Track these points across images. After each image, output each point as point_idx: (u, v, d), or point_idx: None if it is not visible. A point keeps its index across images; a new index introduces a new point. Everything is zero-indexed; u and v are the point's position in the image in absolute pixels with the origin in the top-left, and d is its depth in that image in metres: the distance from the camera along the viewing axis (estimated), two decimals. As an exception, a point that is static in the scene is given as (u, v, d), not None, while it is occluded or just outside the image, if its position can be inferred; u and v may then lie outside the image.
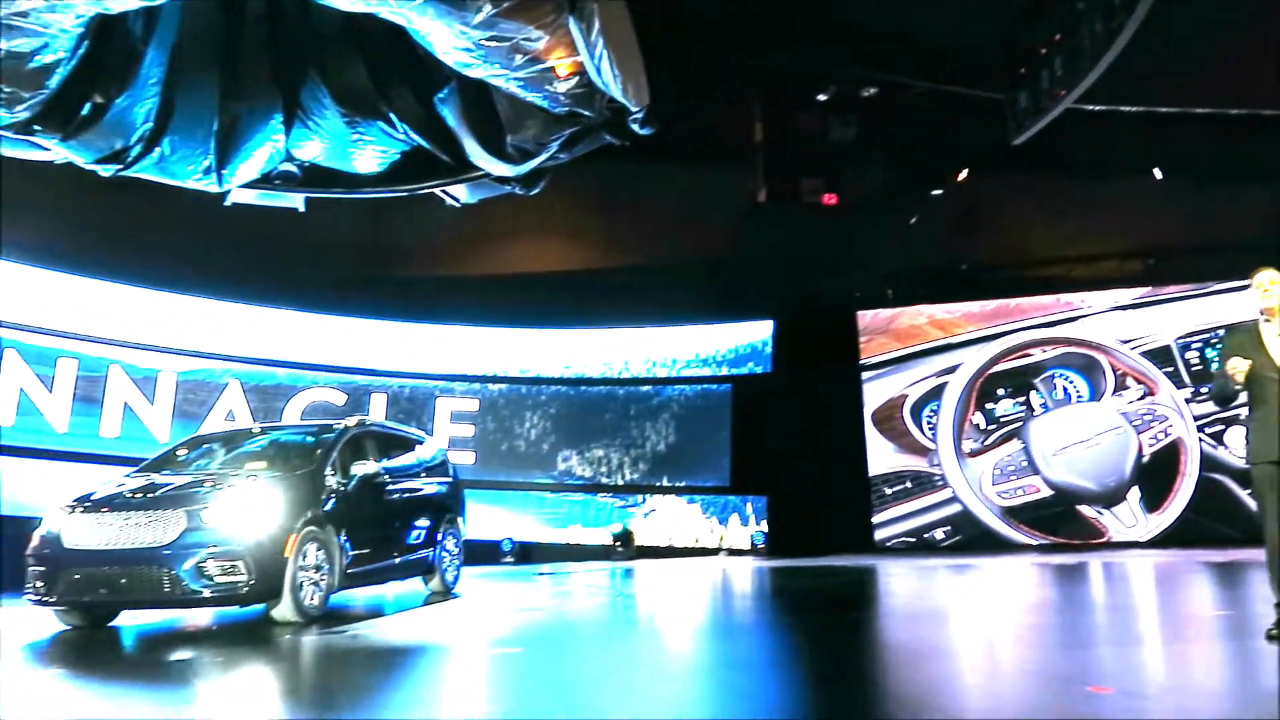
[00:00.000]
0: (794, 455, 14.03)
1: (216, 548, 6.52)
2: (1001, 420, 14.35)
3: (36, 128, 8.01)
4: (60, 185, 10.16)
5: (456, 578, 9.38)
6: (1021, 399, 14.34)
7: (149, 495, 6.95)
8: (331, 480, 7.58)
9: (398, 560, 8.39)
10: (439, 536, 9.06)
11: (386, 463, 8.55)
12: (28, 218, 11.85)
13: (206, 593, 6.53)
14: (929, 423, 14.50)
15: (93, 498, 7.05)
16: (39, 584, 6.76)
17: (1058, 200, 14.24)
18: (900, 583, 10.56)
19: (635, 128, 8.82)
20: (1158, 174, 13.70)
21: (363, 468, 7.85)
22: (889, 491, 14.49)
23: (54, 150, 8.55)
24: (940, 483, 14.37)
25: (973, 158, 13.63)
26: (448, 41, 7.59)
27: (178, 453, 8.46)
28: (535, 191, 10.33)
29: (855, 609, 8.66)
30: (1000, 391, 14.42)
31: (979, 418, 14.36)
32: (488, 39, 7.41)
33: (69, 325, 12.85)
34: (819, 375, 14.46)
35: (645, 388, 15.97)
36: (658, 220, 14.33)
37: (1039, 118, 10.30)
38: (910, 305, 15.14)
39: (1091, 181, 13.78)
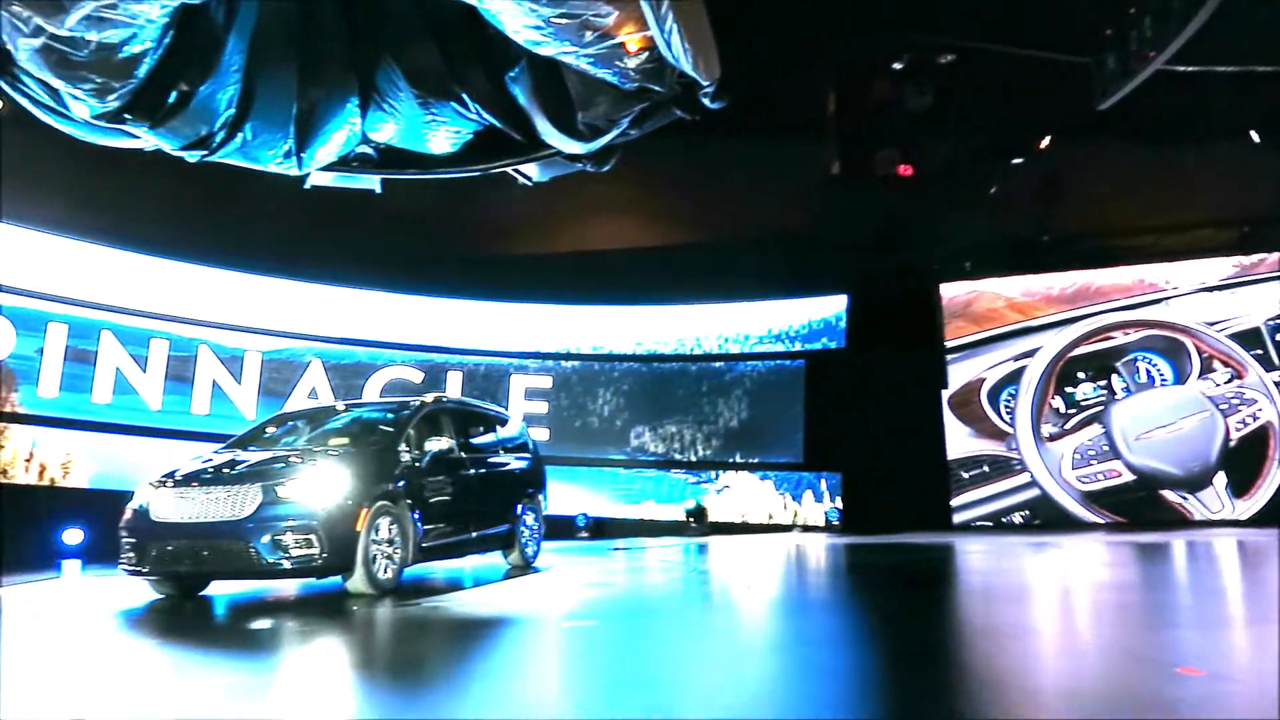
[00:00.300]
0: (869, 431, 13.86)
1: (290, 521, 6.74)
2: (1082, 404, 14.10)
3: (127, 117, 8.27)
4: (149, 173, 10.51)
5: (536, 552, 9.51)
6: (1102, 383, 14.05)
7: (229, 471, 7.21)
8: (405, 456, 7.75)
9: (474, 535, 8.54)
10: (518, 511, 9.20)
11: (464, 439, 8.71)
12: (120, 205, 12.34)
13: (282, 564, 6.76)
14: (1007, 407, 14.33)
15: (178, 473, 7.36)
16: (130, 555, 7.11)
17: (1145, 167, 13.70)
18: (980, 560, 10.38)
19: (706, 102, 8.72)
20: (1254, 137, 13.08)
21: (436, 444, 7.97)
22: (966, 476, 14.33)
23: (144, 138, 8.83)
24: (1018, 467, 14.16)
25: (1056, 124, 13.18)
26: (518, 20, 7.60)
27: (266, 429, 8.75)
28: (606, 169, 10.31)
29: (934, 586, 8.55)
30: (1080, 375, 14.16)
31: (1058, 401, 14.15)
32: (557, 16, 7.40)
33: (161, 307, 13.36)
34: (895, 350, 14.24)
35: (718, 364, 15.93)
36: (730, 195, 14.20)
37: (1126, 81, 9.90)
38: (990, 278, 14.81)
39: (1182, 147, 13.21)
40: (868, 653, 5.35)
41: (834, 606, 7.59)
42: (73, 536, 11.63)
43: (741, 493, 15.51)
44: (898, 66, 12.08)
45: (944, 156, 13.87)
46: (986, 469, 14.27)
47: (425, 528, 7.69)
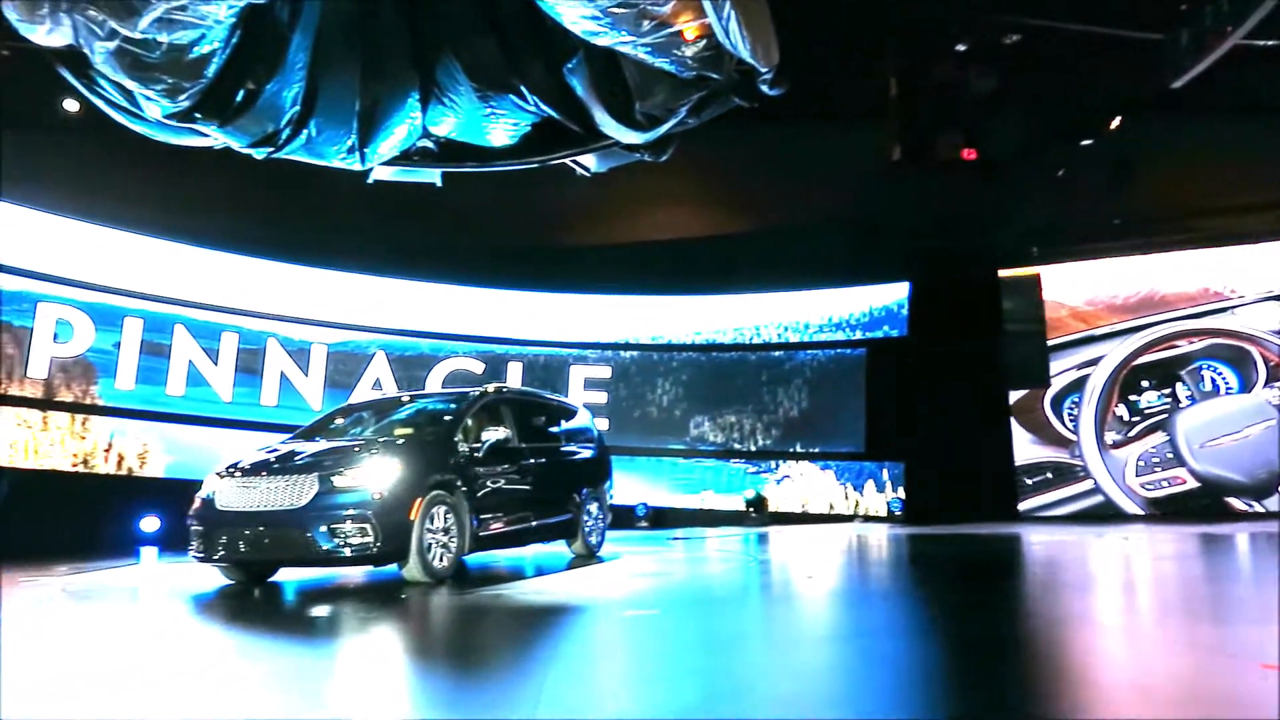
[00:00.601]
0: (932, 420, 13.66)
1: (345, 510, 6.90)
2: (1146, 412, 13.92)
3: (197, 116, 8.48)
4: (218, 171, 10.77)
5: (601, 541, 9.57)
6: (1166, 391, 13.87)
7: (289, 461, 7.39)
8: (463, 446, 7.84)
9: (534, 524, 8.60)
10: (582, 501, 9.26)
11: (525, 429, 8.78)
12: (191, 202, 12.68)
13: (337, 552, 6.90)
14: (1070, 415, 14.22)
15: (242, 464, 7.56)
16: (198, 542, 7.36)
17: (1221, 147, 13.21)
18: (1047, 551, 10.17)
19: (765, 89, 8.64)
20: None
21: (493, 434, 8.04)
22: (1029, 482, 14.20)
23: (212, 136, 9.05)
24: (1082, 474, 14.02)
25: (1126, 104, 12.77)
26: (575, 10, 7.61)
27: (333, 420, 8.92)
28: (664, 158, 10.29)
29: (1002, 576, 8.41)
30: (1144, 383, 14.01)
31: (1122, 409, 14.02)
32: (615, 6, 7.39)
33: (231, 301, 13.73)
34: (958, 338, 14.00)
35: (777, 353, 15.83)
36: (788, 182, 14.07)
37: (1201, 57, 9.54)
38: (1058, 263, 14.49)
39: (1260, 125, 12.73)
40: (933, 644, 5.28)
41: (897, 597, 7.51)
42: (150, 524, 12.05)
43: (802, 482, 15.41)
44: (961, 48, 11.80)
45: (1009, 140, 13.52)
46: (1050, 475, 14.17)
47: (482, 517, 7.78)
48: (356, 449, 7.52)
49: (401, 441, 7.85)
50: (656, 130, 9.20)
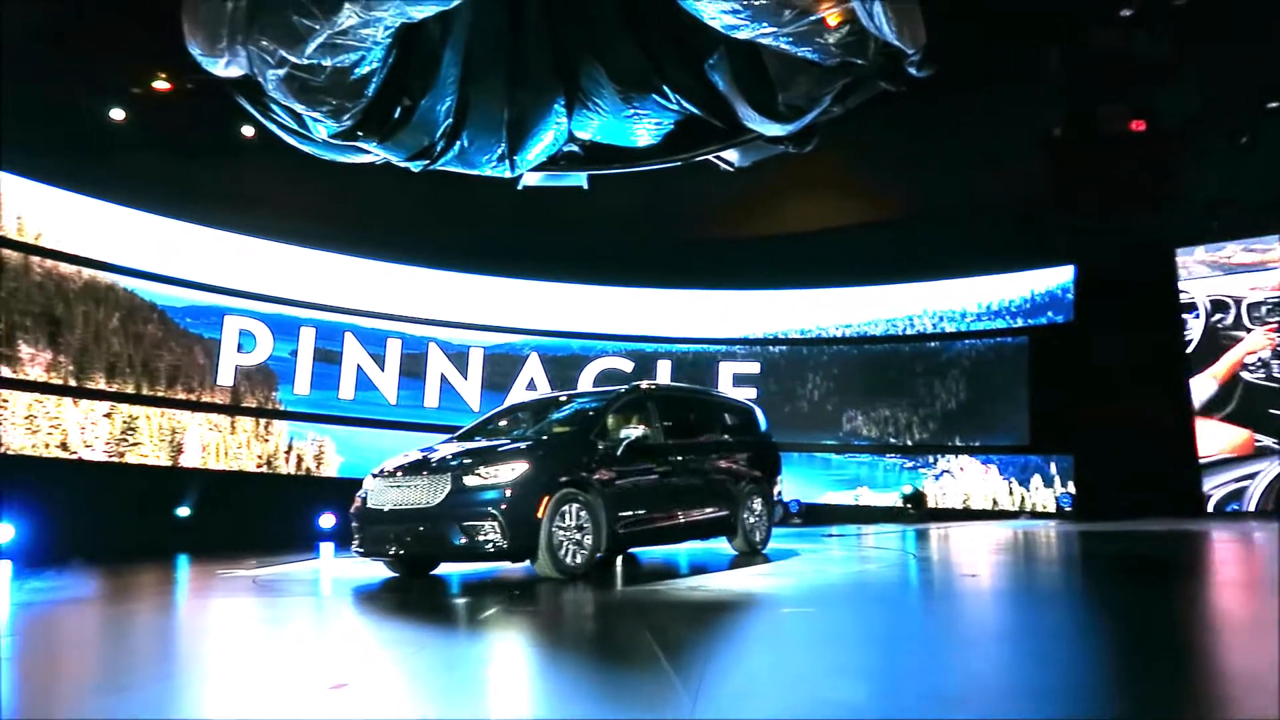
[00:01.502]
0: (1104, 411, 12.89)
1: (473, 509, 7.15)
2: None
3: (359, 134, 8.97)
4: (381, 185, 11.34)
5: (765, 539, 9.43)
6: None
7: (429, 463, 7.70)
8: (601, 445, 7.93)
9: (683, 521, 8.57)
10: (742, 497, 9.15)
11: (675, 425, 8.79)
12: (358, 217, 13.39)
13: (468, 548, 7.18)
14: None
15: (393, 465, 7.94)
16: (356, 538, 7.82)
17: None
18: (1234, 549, 9.43)
19: (912, 71, 8.37)
20: None
21: (632, 431, 8.07)
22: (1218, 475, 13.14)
23: (373, 152, 9.54)
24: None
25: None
26: (715, 6, 7.60)
27: (495, 421, 9.21)
28: (809, 149, 10.13)
29: (1180, 576, 7.86)
30: None
31: None
32: (755, -2, 7.35)
33: (395, 308, 14.44)
34: (1129, 323, 13.16)
35: (932, 344, 15.34)
36: (940, 165, 13.58)
37: None
38: (1239, 239, 13.40)
39: None
40: (1104, 646, 4.98)
41: (1067, 596, 7.13)
42: (327, 521, 12.81)
43: (962, 477, 14.87)
44: (1126, 14, 11.08)
45: (1182, 108, 12.61)
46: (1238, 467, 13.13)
47: (621, 514, 7.82)
48: (488, 450, 7.76)
49: (532, 442, 8.02)
50: (800, 121, 9.07)
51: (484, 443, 8.20)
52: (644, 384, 9.35)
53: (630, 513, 7.95)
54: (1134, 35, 11.17)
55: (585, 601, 6.68)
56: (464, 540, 7.15)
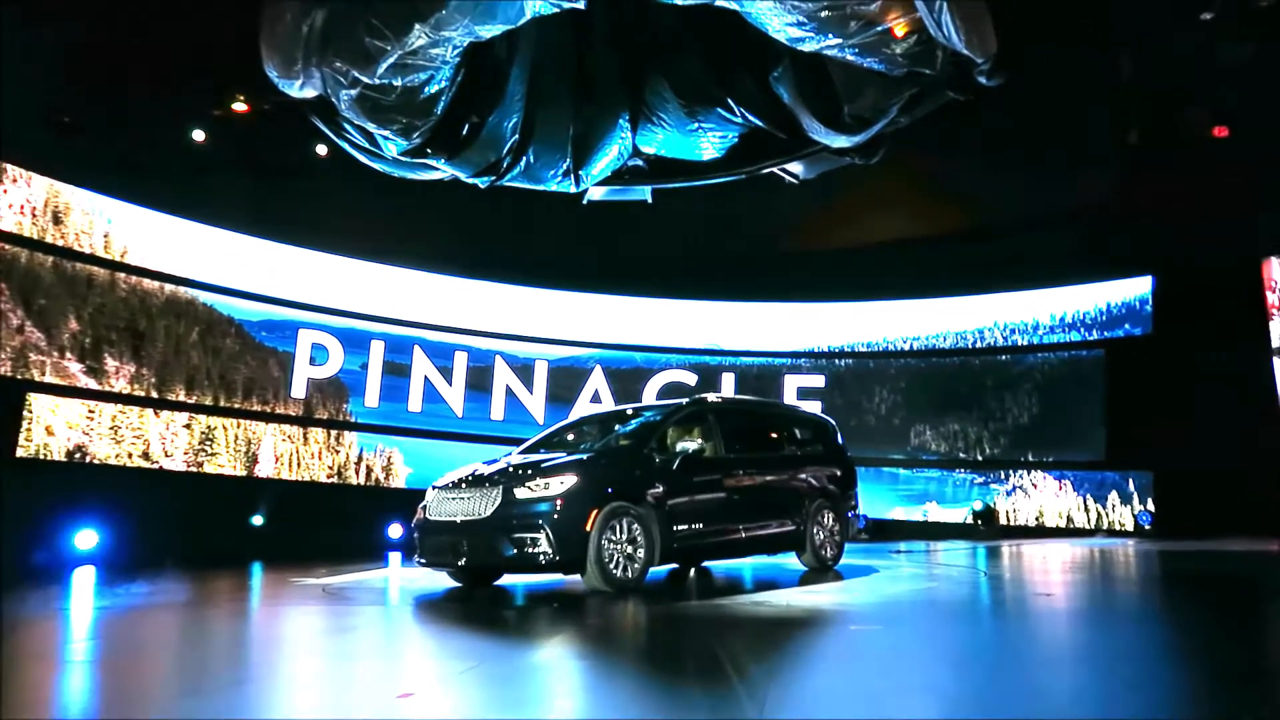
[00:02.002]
0: (1185, 426, 12.44)
1: (522, 521, 7.23)
2: None
3: (428, 151, 9.15)
4: (448, 200, 11.53)
5: (837, 555, 9.30)
6: None
7: (484, 475, 7.80)
8: (658, 458, 7.92)
9: (744, 535, 8.45)
10: (811, 512, 9.02)
11: (739, 438, 8.73)
12: (432, 231, 13.63)
13: (518, 560, 7.26)
14: None
15: (452, 477, 8.07)
16: (419, 549, 7.97)
17: None
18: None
19: (982, 80, 8.24)
20: None
21: (688, 444, 8.03)
22: None
23: (442, 169, 9.72)
24: None
25: None
26: (780, 19, 7.58)
27: (561, 434, 9.27)
28: (875, 160, 10.03)
29: (1268, 598, 7.53)
30: None
31: None
32: (820, 10, 7.30)
33: (462, 321, 14.66)
34: (1212, 335, 12.70)
35: (1003, 357, 15.01)
36: (1009, 175, 13.30)
37: None
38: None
39: None
40: (1186, 670, 4.80)
41: (1146, 617, 6.90)
42: (395, 531, 13.02)
43: (1035, 493, 14.50)
44: (1207, 16, 10.71)
45: (1268, 112, 12.15)
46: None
47: (676, 528, 7.78)
48: (539, 464, 7.80)
49: (583, 455, 8.05)
50: (866, 132, 8.99)
51: (544, 456, 8.27)
52: (710, 397, 9.32)
53: (686, 526, 7.90)
54: (1216, 38, 10.81)
55: (649, 615, 6.67)
56: (514, 551, 7.24)
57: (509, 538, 7.25)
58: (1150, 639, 5.87)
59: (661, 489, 7.77)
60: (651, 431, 8.22)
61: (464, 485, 7.77)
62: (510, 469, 7.79)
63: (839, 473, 9.64)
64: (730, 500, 8.39)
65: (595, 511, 7.28)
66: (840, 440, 10.04)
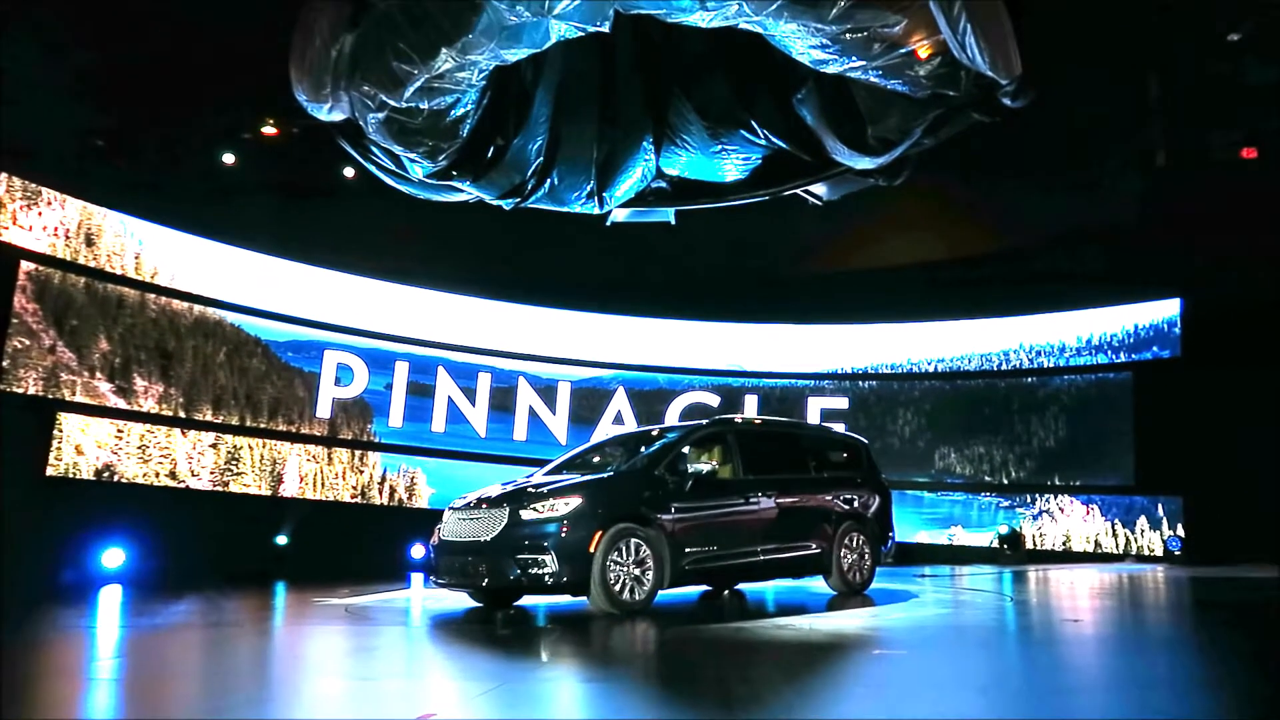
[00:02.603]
0: (1217, 450, 12.26)
1: (525, 542, 7.31)
2: None
3: (454, 173, 9.23)
4: (472, 222, 11.61)
5: (865, 578, 9.09)
6: None
7: (494, 497, 7.83)
8: (670, 479, 7.89)
9: (762, 558, 8.34)
10: (838, 534, 8.88)
11: (760, 460, 8.66)
12: (456, 253, 13.73)
13: (522, 581, 7.33)
14: None
15: (469, 498, 8.11)
16: (434, 569, 8.06)
17: None
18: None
19: (1007, 101, 8.21)
20: None
21: (700, 466, 8.00)
22: None
23: (467, 191, 9.79)
24: None
25: None
26: (804, 41, 7.59)
27: (591, 455, 9.25)
28: (899, 182, 10.00)
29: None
30: None
31: None
32: (844, 32, 7.31)
33: (485, 342, 14.72)
34: (1243, 358, 12.52)
35: (1029, 379, 14.88)
36: (1035, 197, 13.21)
37: None
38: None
39: None
40: (1219, 699, 4.70)
41: (1176, 645, 6.77)
42: (417, 552, 13.04)
43: (1062, 518, 14.32)
44: (1234, 38, 10.65)
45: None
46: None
47: (688, 550, 7.75)
48: (547, 485, 7.87)
49: (591, 477, 8.07)
50: (890, 154, 8.97)
51: (563, 477, 8.29)
52: (736, 418, 9.30)
53: (698, 549, 7.86)
54: (1243, 58, 10.73)
55: (670, 638, 6.63)
56: (519, 572, 7.33)
57: (514, 559, 7.34)
58: (1181, 667, 5.76)
59: (672, 511, 7.76)
60: (666, 453, 8.20)
61: (475, 507, 7.85)
62: (518, 491, 7.86)
63: (871, 496, 9.50)
64: (747, 522, 8.32)
65: (600, 533, 7.32)
66: (872, 462, 9.93)
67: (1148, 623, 8.13)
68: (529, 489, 7.84)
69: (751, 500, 8.41)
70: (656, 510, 7.69)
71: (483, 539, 7.54)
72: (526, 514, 7.44)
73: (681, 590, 8.71)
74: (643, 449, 8.78)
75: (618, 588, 7.33)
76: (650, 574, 7.51)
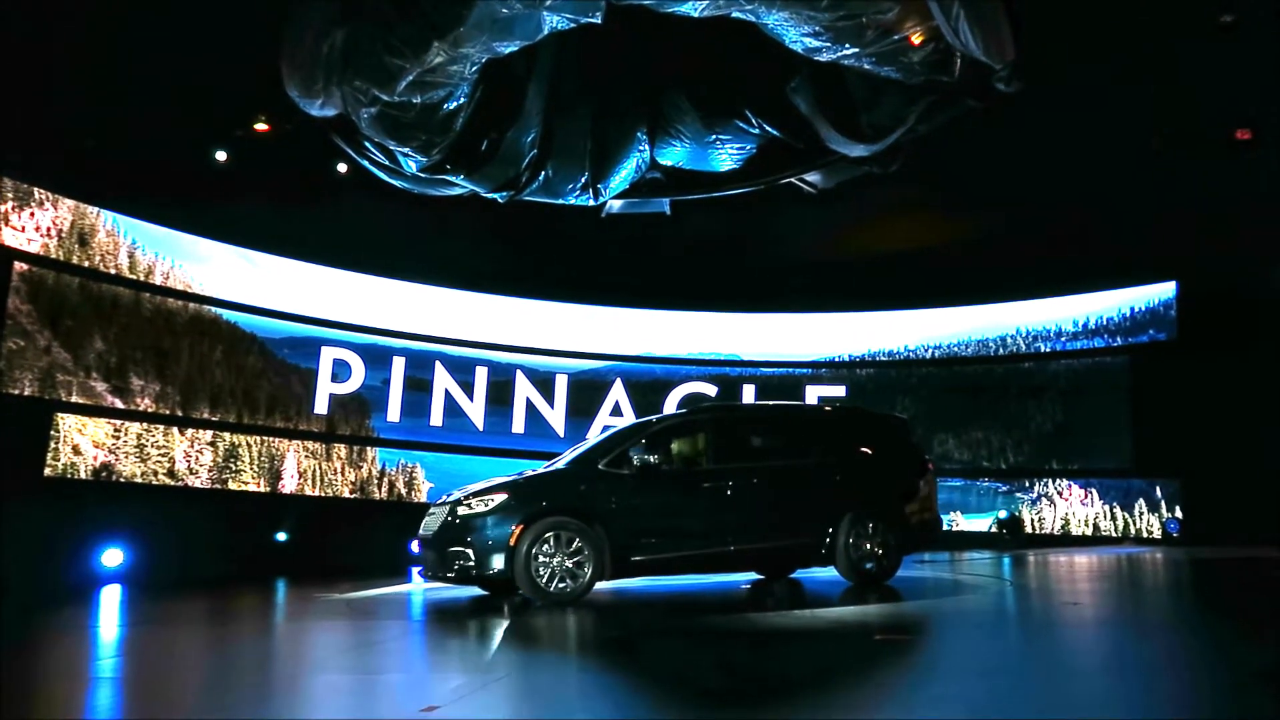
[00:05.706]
0: (1213, 433, 12.29)
1: (455, 537, 7.70)
2: None
3: (447, 167, 9.23)
4: (467, 216, 11.60)
5: (885, 568, 8.55)
6: None
7: (448, 494, 8.30)
8: (615, 472, 7.94)
9: (733, 549, 8.09)
10: (841, 522, 8.39)
11: (742, 447, 8.58)
12: (452, 247, 13.70)
13: (456, 573, 7.69)
14: None
15: (441, 497, 8.48)
16: (419, 561, 8.53)
17: None
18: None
19: (1000, 86, 8.21)
20: None
21: (645, 458, 7.92)
22: None
23: (461, 185, 9.80)
24: None
25: None
26: (797, 29, 7.59)
27: (597, 447, 9.20)
28: (893, 169, 10.01)
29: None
30: None
31: None
32: (837, 20, 7.31)
33: (482, 336, 14.70)
34: (1239, 340, 12.55)
35: (1026, 364, 14.90)
36: (1030, 179, 13.16)
37: None
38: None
39: None
40: (1214, 679, 4.71)
41: (1175, 626, 6.80)
42: (417, 546, 13.03)
43: (1060, 502, 14.36)
44: (1227, 19, 10.63)
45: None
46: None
47: (641, 541, 7.77)
48: (486, 483, 8.16)
49: (523, 475, 8.33)
50: (884, 140, 8.98)
51: (536, 472, 8.55)
52: (718, 405, 9.30)
53: (649, 540, 7.82)
54: (1235, 38, 10.71)
55: (674, 629, 6.64)
56: (450, 566, 7.69)
57: (448, 552, 7.72)
58: (1182, 648, 5.78)
59: (612, 504, 7.78)
60: (614, 446, 8.20)
61: (439, 504, 8.28)
62: (468, 488, 8.24)
63: (887, 476, 8.92)
64: (712, 513, 8.08)
65: (520, 528, 7.52)
66: (904, 440, 9.35)
67: (1146, 605, 8.16)
68: (474, 488, 8.16)
69: (720, 490, 8.14)
70: (594, 503, 7.76)
71: (431, 534, 8.01)
72: (461, 510, 7.82)
73: (732, 576, 9.00)
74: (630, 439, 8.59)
75: (545, 579, 7.47)
76: (589, 566, 7.57)
